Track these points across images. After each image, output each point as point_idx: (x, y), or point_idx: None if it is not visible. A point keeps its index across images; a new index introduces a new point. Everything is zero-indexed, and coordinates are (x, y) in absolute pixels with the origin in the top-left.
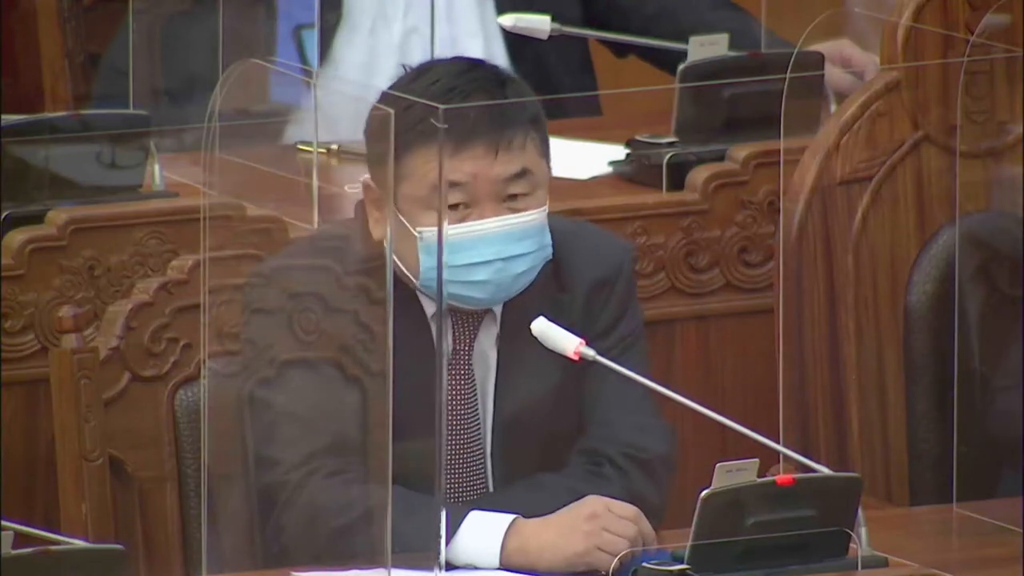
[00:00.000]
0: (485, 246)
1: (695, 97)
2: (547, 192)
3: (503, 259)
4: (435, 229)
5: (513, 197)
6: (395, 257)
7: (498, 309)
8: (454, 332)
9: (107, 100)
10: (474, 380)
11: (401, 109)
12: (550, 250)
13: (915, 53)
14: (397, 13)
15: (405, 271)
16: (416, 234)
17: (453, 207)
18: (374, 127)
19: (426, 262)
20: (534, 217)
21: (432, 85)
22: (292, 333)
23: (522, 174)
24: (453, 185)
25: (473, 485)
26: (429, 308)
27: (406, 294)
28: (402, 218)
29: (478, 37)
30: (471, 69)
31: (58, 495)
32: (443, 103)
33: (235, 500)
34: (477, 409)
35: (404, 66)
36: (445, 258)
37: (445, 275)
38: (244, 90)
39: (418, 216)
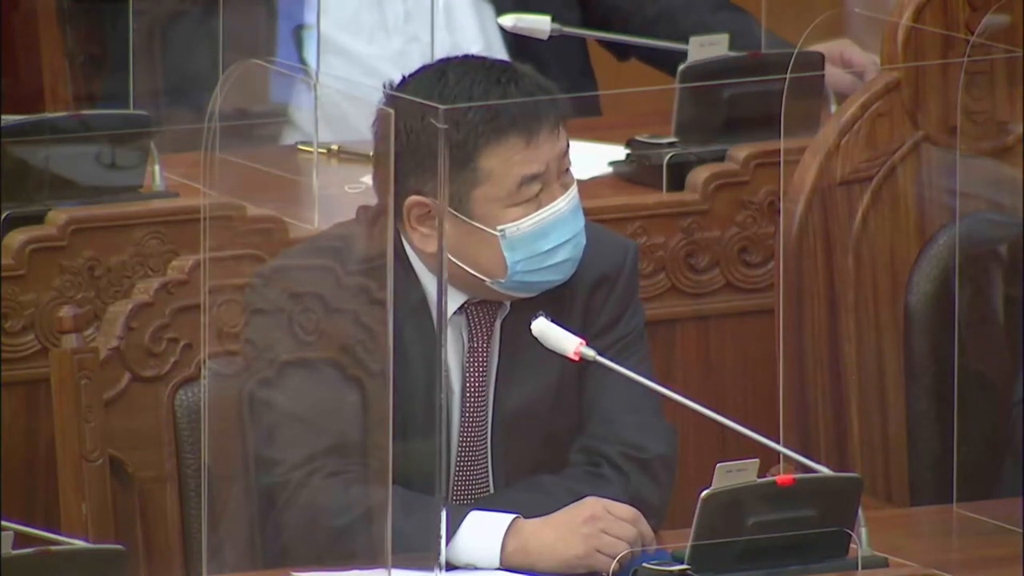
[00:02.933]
0: (563, 225)
1: (695, 97)
2: None
3: (577, 233)
4: (518, 224)
5: (563, 173)
6: (462, 263)
7: (508, 301)
8: (470, 327)
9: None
10: (488, 376)
11: (461, 114)
12: None
13: (915, 53)
14: (397, 23)
15: (479, 275)
16: (496, 233)
17: (533, 197)
18: (413, 145)
19: (512, 256)
20: (576, 188)
21: (472, 84)
22: (293, 333)
23: (568, 145)
24: (533, 178)
25: (477, 483)
26: (449, 312)
27: (417, 298)
28: (473, 222)
29: (479, 43)
30: (488, 64)
31: (58, 495)
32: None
33: (235, 500)
34: (488, 405)
35: (385, 85)
36: (529, 248)
37: (528, 266)
38: (244, 90)
39: (497, 215)
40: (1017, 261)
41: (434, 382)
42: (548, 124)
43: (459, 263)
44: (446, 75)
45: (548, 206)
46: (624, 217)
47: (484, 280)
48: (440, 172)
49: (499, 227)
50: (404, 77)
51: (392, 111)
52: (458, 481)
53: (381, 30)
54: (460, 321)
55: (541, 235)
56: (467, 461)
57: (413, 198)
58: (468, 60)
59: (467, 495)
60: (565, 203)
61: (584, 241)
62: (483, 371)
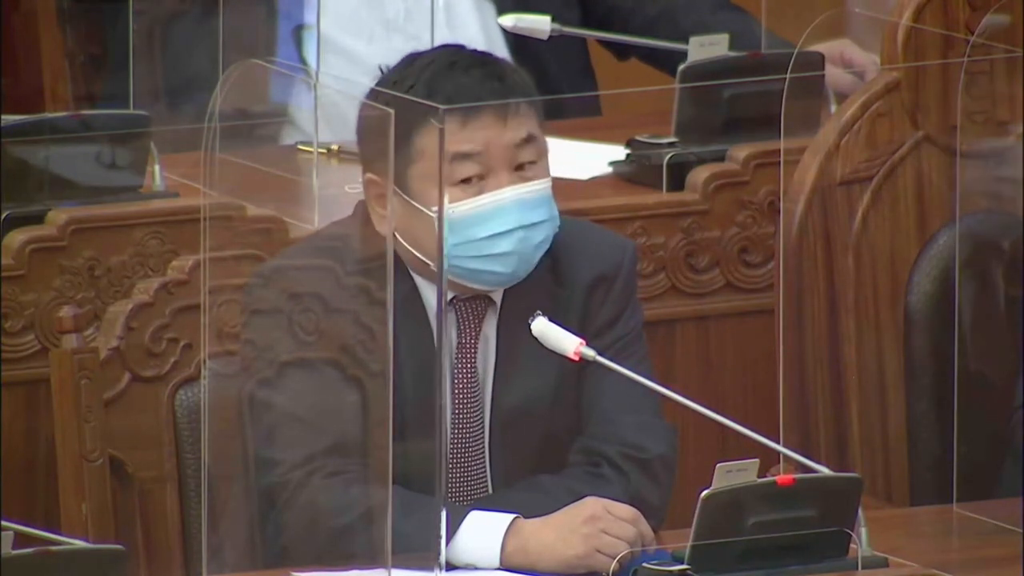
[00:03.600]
0: (506, 215)
1: (695, 97)
2: (547, 163)
3: (524, 227)
4: (453, 206)
5: (522, 167)
6: (407, 244)
7: (498, 299)
8: (459, 324)
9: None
10: (478, 374)
11: (402, 91)
12: (559, 221)
13: (915, 53)
14: (398, 21)
15: (421, 257)
16: (432, 214)
17: (466, 180)
18: (368, 125)
19: (449, 240)
20: (546, 186)
21: (425, 69)
22: (292, 334)
23: (530, 139)
24: (466, 156)
25: (475, 483)
26: (432, 302)
27: (407, 289)
28: (414, 202)
29: (480, 41)
30: (457, 51)
31: (58, 495)
32: (445, 83)
33: (235, 500)
34: (481, 404)
35: (381, 67)
36: (464, 233)
37: (465, 251)
38: (244, 90)
39: (433, 195)
40: (1017, 261)
41: (426, 377)
42: (494, 110)
43: (406, 245)
44: (411, 64)
45: (490, 193)
46: (624, 217)
47: (428, 263)
48: (440, 171)
49: (435, 208)
50: (389, 68)
51: (392, 111)
52: (455, 480)
53: (382, 29)
54: (448, 318)
55: (479, 221)
56: (463, 460)
57: (368, 176)
58: (440, 49)
59: (465, 495)
60: (511, 193)
61: (541, 238)
62: (472, 368)
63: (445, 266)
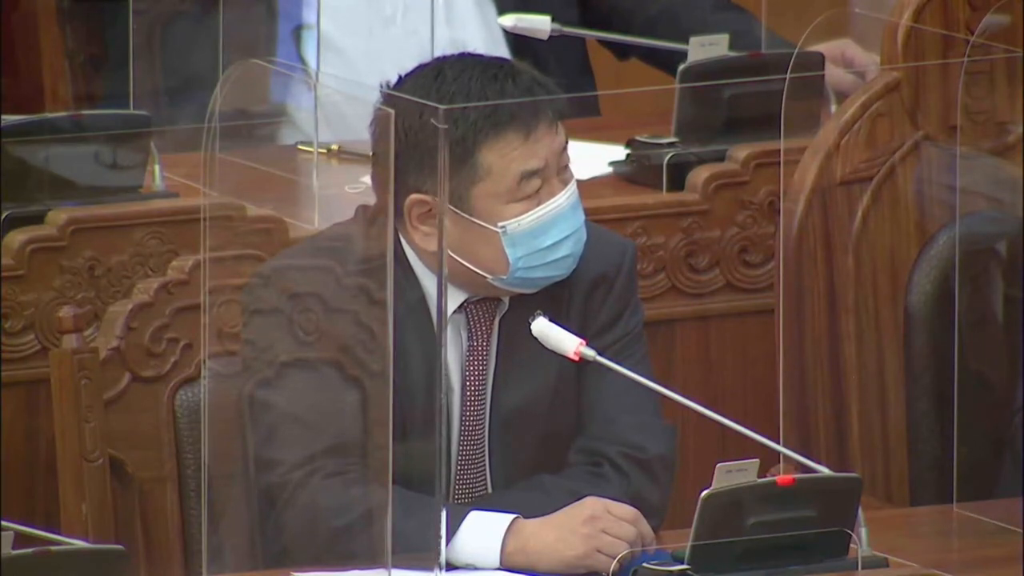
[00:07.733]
0: (564, 221)
1: (695, 97)
2: None
3: (576, 229)
4: (519, 220)
5: (563, 169)
6: (460, 258)
7: (507, 300)
8: (470, 326)
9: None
10: (487, 375)
11: (459, 110)
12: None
13: (915, 53)
14: (395, 16)
15: (481, 272)
16: (497, 230)
17: (534, 194)
18: (415, 143)
19: (514, 253)
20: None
21: (457, 82)
22: (292, 334)
23: (566, 141)
24: (533, 173)
25: (475, 483)
26: (449, 311)
27: (415, 299)
28: (474, 219)
29: (480, 39)
30: (486, 65)
31: (58, 495)
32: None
33: (235, 500)
34: (487, 404)
35: (382, 85)
36: (529, 245)
37: (529, 262)
38: (244, 90)
39: (498, 211)
40: (1017, 260)
41: (434, 382)
42: (546, 119)
43: (461, 260)
44: (443, 73)
45: (548, 202)
46: (624, 217)
47: (486, 277)
48: (440, 171)
49: (500, 224)
50: (400, 76)
51: (392, 111)
52: (457, 481)
53: (379, 25)
54: (459, 320)
55: (542, 231)
56: (466, 460)
57: (414, 196)
58: (464, 57)
59: (465, 495)
60: (565, 199)
61: (585, 237)
62: (483, 370)
63: (445, 272)
